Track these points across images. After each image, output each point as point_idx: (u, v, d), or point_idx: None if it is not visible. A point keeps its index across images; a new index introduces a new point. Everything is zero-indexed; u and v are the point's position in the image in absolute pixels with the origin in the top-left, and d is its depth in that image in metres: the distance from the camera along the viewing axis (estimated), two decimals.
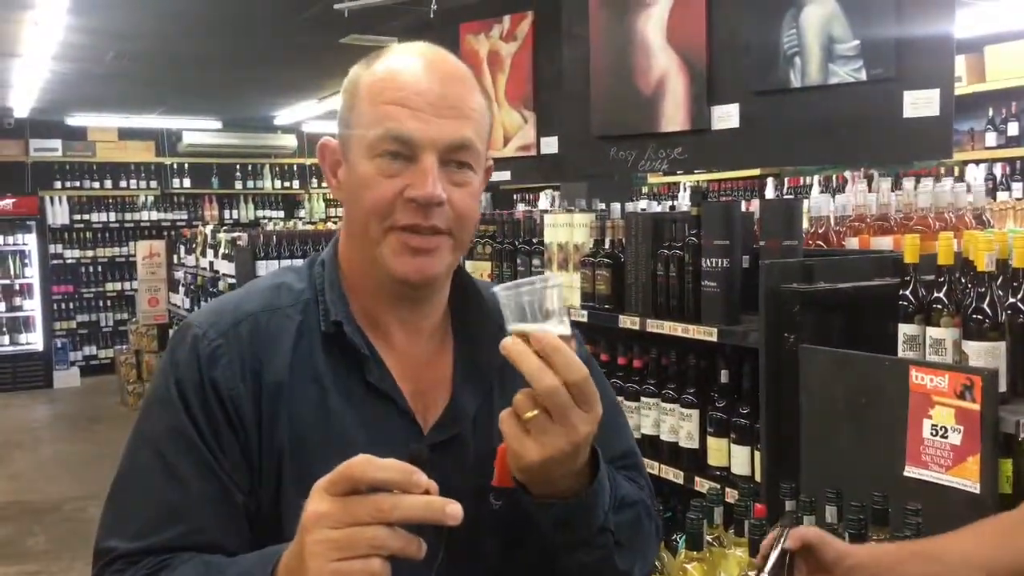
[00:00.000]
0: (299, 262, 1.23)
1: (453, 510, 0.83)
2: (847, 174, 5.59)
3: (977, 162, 5.80)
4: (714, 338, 2.21)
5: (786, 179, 6.78)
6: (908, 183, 2.50)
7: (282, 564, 0.91)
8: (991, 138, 6.08)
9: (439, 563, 0.90)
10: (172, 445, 1.04)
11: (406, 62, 1.09)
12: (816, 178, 6.39)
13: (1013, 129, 5.99)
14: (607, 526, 1.05)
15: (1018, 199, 4.66)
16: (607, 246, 2.67)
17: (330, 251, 1.17)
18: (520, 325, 0.94)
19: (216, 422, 1.04)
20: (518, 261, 3.05)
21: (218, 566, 0.97)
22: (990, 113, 6.05)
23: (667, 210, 2.91)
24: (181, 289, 8.19)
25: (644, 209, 3.01)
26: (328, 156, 1.14)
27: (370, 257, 1.08)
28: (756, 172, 7.01)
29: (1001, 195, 5.47)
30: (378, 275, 1.09)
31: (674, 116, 2.89)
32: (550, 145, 3.70)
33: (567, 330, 0.96)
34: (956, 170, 5.64)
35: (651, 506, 1.21)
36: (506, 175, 3.92)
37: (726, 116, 2.78)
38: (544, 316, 0.95)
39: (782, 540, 1.19)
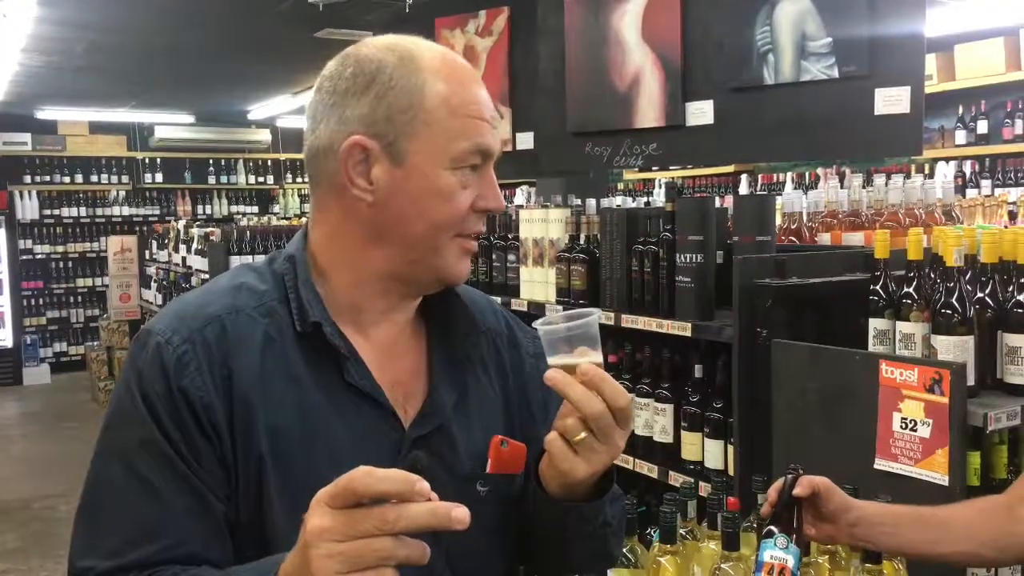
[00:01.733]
0: (257, 262, 1.17)
1: (459, 514, 0.82)
2: (819, 171, 5.65)
3: (947, 159, 5.87)
4: (688, 333, 2.22)
5: (759, 176, 6.84)
6: (879, 179, 2.53)
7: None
8: (961, 136, 6.17)
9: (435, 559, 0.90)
10: (144, 459, 1.00)
11: (458, 69, 1.10)
12: (789, 175, 6.45)
13: (982, 127, 6.08)
14: (609, 521, 1.14)
15: (987, 196, 4.72)
16: (582, 241, 2.68)
17: (298, 246, 1.13)
18: (562, 359, 1.05)
19: (188, 431, 1.01)
20: (493, 256, 3.05)
21: None
22: (960, 111, 6.13)
23: (642, 206, 2.92)
24: (153, 285, 8.11)
25: (619, 205, 3.03)
26: (357, 154, 1.05)
27: (418, 263, 1.09)
28: (730, 169, 7.06)
29: (970, 192, 5.55)
30: (416, 276, 1.11)
31: (649, 112, 2.90)
32: (526, 141, 3.70)
33: (599, 358, 1.06)
34: (926, 167, 5.72)
35: None
36: None
37: (700, 112, 2.79)
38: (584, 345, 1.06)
39: (791, 486, 1.22)
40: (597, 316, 1.07)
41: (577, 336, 1.04)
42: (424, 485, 0.82)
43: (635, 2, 2.93)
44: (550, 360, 1.05)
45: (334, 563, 0.81)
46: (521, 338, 1.27)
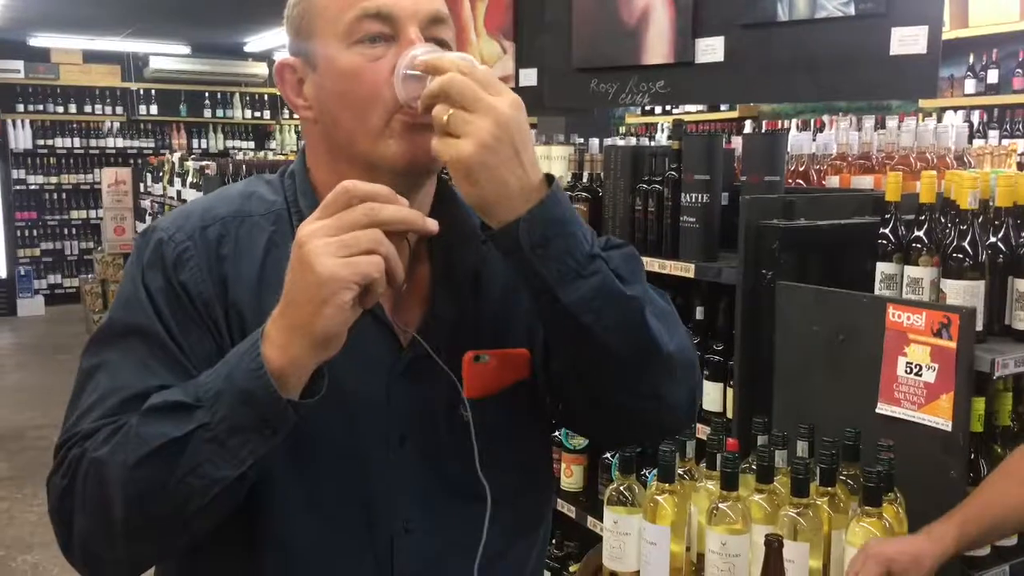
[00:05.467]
0: (272, 176, 1.16)
1: (432, 221, 0.91)
2: (825, 118, 5.56)
3: (956, 109, 5.78)
4: (691, 274, 2.18)
5: (764, 121, 6.74)
6: (891, 122, 2.47)
7: (273, 315, 0.90)
8: (970, 85, 6.06)
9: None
10: (142, 344, 0.99)
11: None
12: (794, 122, 6.35)
13: (992, 77, 5.97)
14: (596, 253, 0.94)
15: (996, 145, 4.65)
16: (585, 180, 2.62)
17: (299, 164, 1.12)
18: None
19: (187, 323, 1.00)
20: None
21: (194, 380, 0.94)
22: (971, 60, 6.02)
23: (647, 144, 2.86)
24: (148, 218, 8.06)
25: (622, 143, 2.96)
26: (288, 76, 1.07)
27: (365, 160, 1.02)
28: (735, 114, 6.96)
29: (977, 142, 5.47)
30: (372, 180, 1.01)
31: (657, 48, 2.82)
32: (529, 77, 3.61)
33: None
34: (934, 115, 5.63)
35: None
36: None
37: (710, 49, 2.71)
38: None
39: None
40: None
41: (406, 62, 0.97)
42: (404, 201, 0.90)
43: None
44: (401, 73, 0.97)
45: (330, 249, 0.85)
46: None
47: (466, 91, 0.89)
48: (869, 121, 2.51)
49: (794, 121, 6.37)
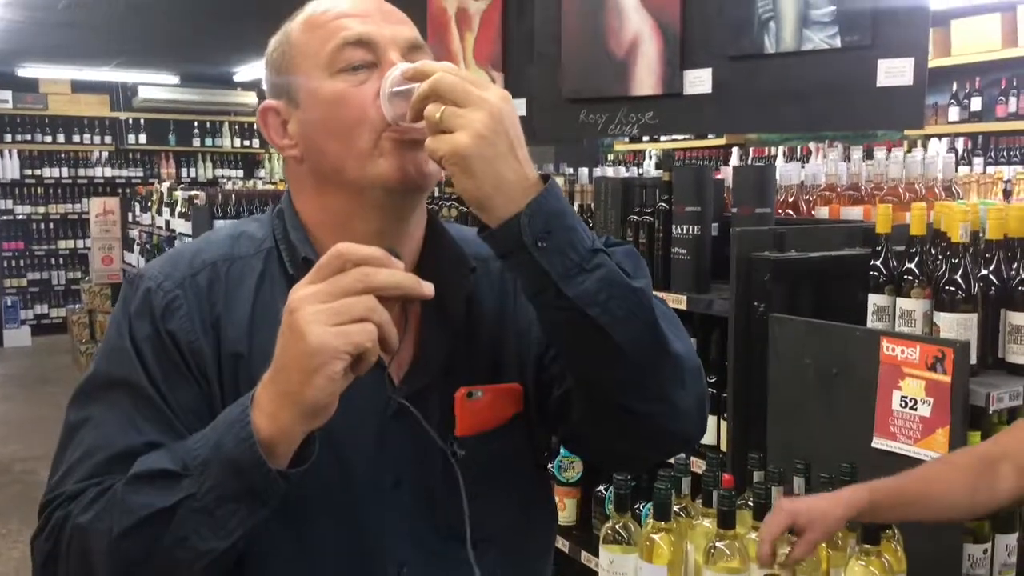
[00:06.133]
0: (261, 215, 1.16)
1: (428, 285, 0.88)
2: (811, 145, 5.60)
3: (940, 136, 5.83)
4: (683, 306, 2.18)
5: (751, 149, 6.78)
6: (880, 153, 2.49)
7: (263, 380, 0.88)
8: (954, 112, 6.12)
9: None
10: (127, 399, 0.97)
11: None
12: (780, 149, 6.40)
13: (976, 104, 6.03)
14: (598, 247, 0.93)
15: (980, 174, 4.69)
16: (576, 210, 2.62)
17: (286, 202, 1.11)
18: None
19: (174, 375, 0.98)
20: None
21: (181, 442, 0.92)
22: (954, 87, 6.08)
23: (636, 176, 2.87)
24: (136, 248, 8.00)
25: (612, 174, 2.97)
26: (271, 120, 1.08)
27: (356, 185, 1.01)
28: (722, 141, 7.00)
29: (962, 170, 5.52)
30: (364, 204, 1.03)
31: (646, 80, 2.84)
32: (519, 107, 3.63)
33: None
34: (919, 143, 5.68)
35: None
36: None
37: (698, 81, 2.73)
38: None
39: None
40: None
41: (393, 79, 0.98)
42: (400, 263, 0.88)
43: None
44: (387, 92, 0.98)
45: (321, 316, 0.83)
46: None
47: (456, 87, 0.89)
48: (857, 152, 2.53)
49: (781, 148, 6.42)
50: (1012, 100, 5.87)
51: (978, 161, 5.79)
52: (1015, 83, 5.84)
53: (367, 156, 1.00)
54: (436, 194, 3.68)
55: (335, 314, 0.83)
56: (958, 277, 1.66)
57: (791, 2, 2.50)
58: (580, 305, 0.91)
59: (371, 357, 0.86)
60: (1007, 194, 3.73)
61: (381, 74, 1.00)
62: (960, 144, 5.81)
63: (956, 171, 5.25)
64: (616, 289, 0.92)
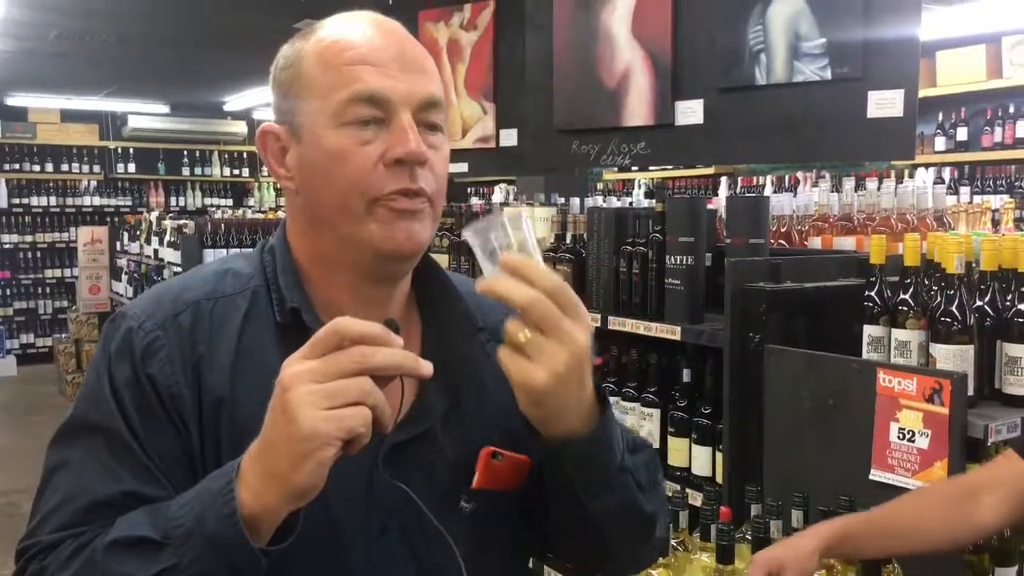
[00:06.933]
0: (249, 250, 1.13)
1: (427, 365, 0.86)
2: (799, 175, 5.64)
3: (927, 166, 5.88)
4: (678, 337, 2.17)
5: (739, 178, 6.83)
6: (871, 184, 2.50)
7: (250, 452, 0.85)
8: (940, 142, 6.18)
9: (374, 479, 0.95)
10: (104, 445, 0.94)
11: (353, 24, 1.02)
12: (769, 178, 6.44)
13: (962, 134, 6.09)
14: (625, 466, 0.98)
15: (968, 203, 4.72)
16: (568, 241, 2.62)
17: (279, 237, 1.08)
18: (492, 264, 0.93)
19: (152, 421, 0.95)
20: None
21: (163, 505, 0.89)
22: (940, 118, 6.15)
23: (627, 206, 2.87)
24: (124, 277, 7.96)
25: (604, 205, 2.97)
26: (271, 143, 1.04)
27: (348, 240, 0.99)
28: (711, 171, 7.04)
29: (950, 199, 5.55)
30: (355, 257, 1.00)
31: (638, 110, 2.85)
32: (509, 137, 3.65)
33: (536, 258, 0.93)
34: (906, 173, 5.73)
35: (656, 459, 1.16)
36: (464, 167, 3.85)
37: (690, 112, 2.75)
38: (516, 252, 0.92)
39: None
40: (520, 211, 0.95)
41: (498, 238, 0.91)
42: (399, 340, 0.85)
43: None
44: (484, 269, 0.93)
45: (315, 399, 0.80)
46: None
47: (549, 318, 0.87)
48: (849, 183, 2.54)
49: (769, 177, 6.46)
50: (998, 130, 5.93)
51: (964, 190, 5.83)
52: (1000, 113, 5.90)
53: (359, 220, 0.97)
54: None
55: (329, 397, 0.80)
56: (954, 308, 1.66)
57: (782, 34, 2.53)
58: (593, 515, 0.98)
59: (363, 440, 0.83)
60: (996, 223, 3.76)
61: (390, 135, 0.97)
62: (947, 174, 5.86)
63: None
64: (630, 512, 1.01)
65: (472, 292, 1.11)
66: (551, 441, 0.94)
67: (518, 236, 0.91)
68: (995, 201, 4.85)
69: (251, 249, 1.12)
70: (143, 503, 0.91)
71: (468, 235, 0.92)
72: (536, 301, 0.86)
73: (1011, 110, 5.85)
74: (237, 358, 0.98)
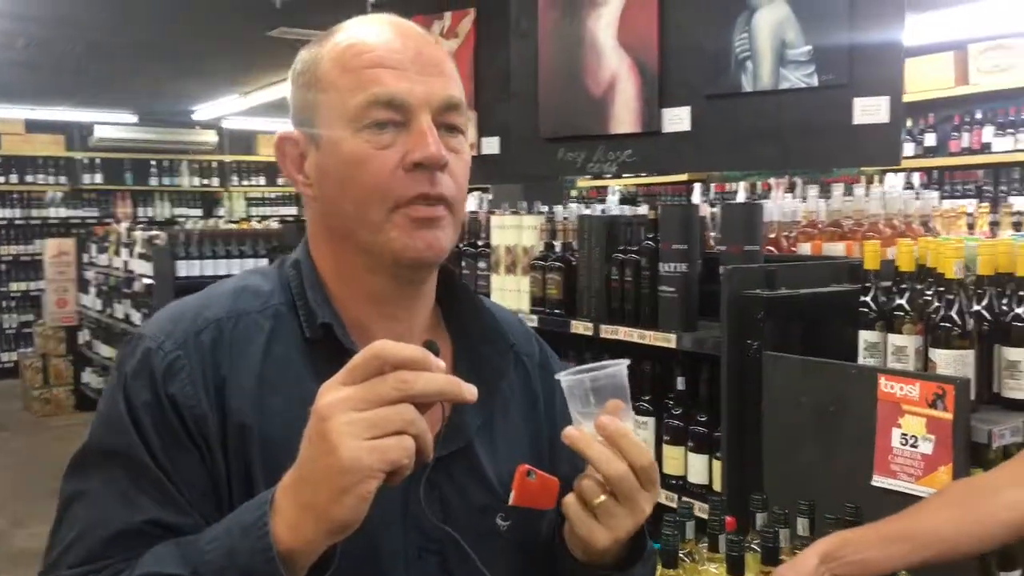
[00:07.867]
0: (265, 265, 1.09)
1: (471, 389, 0.82)
2: (771, 181, 5.68)
3: (896, 171, 5.95)
4: (672, 344, 2.17)
5: (712, 185, 6.86)
6: (859, 190, 2.52)
7: (284, 483, 0.81)
8: (909, 148, 6.27)
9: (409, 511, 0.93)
10: (123, 472, 0.90)
11: (371, 26, 1.00)
12: (741, 184, 6.47)
13: (930, 140, 6.19)
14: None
15: (944, 208, 4.79)
16: (558, 249, 2.61)
17: (302, 252, 1.05)
18: (584, 412, 0.96)
19: (175, 444, 0.91)
20: (462, 264, 2.96)
21: (192, 538, 0.85)
22: (908, 124, 6.23)
23: (616, 213, 2.87)
24: (92, 290, 7.82)
25: (588, 212, 2.97)
26: (289, 149, 1.02)
27: (366, 248, 0.97)
28: (684, 177, 7.07)
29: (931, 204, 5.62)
30: (374, 264, 0.98)
31: (624, 118, 2.85)
32: (491, 146, 3.63)
33: (630, 414, 0.97)
34: (876, 179, 5.79)
35: None
36: None
37: (677, 119, 2.75)
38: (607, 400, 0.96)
39: None
40: (625, 366, 0.96)
41: (602, 388, 0.95)
42: (440, 362, 0.81)
43: (611, 6, 2.88)
44: (573, 414, 0.96)
45: (356, 429, 0.76)
46: (554, 366, 1.15)
47: (625, 487, 0.92)
48: (839, 189, 2.56)
49: (741, 184, 6.50)
50: (965, 135, 6.03)
51: (933, 195, 5.91)
52: (967, 119, 6.00)
53: (378, 227, 0.95)
54: None
55: (371, 427, 0.77)
56: (953, 313, 1.67)
57: (768, 41, 2.54)
58: None
59: (406, 472, 0.79)
60: (970, 227, 3.81)
61: (409, 137, 0.95)
62: (916, 179, 5.94)
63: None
64: None
65: (503, 315, 1.12)
66: (577, 562, 0.99)
67: (618, 392, 0.95)
68: (968, 206, 4.92)
69: (266, 266, 1.09)
70: (166, 531, 0.88)
71: (563, 378, 0.96)
72: (624, 476, 0.91)
73: (978, 116, 5.95)
74: (262, 381, 0.95)
